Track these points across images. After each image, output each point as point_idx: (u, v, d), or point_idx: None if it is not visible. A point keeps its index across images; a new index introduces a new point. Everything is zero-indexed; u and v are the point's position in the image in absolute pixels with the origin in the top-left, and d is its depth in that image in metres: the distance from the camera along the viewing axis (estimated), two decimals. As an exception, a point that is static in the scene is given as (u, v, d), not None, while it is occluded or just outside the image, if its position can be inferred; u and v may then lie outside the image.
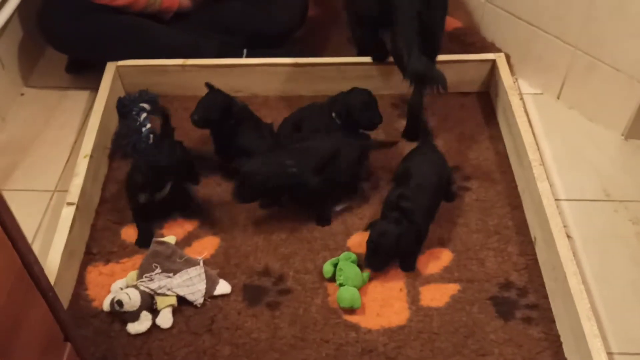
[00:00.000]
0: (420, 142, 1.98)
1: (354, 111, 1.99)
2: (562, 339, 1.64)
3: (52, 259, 1.69)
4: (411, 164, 1.87)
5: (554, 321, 1.68)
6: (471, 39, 2.47)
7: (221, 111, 1.95)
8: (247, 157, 1.86)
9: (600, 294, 1.75)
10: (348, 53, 2.39)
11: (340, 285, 1.72)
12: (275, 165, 1.79)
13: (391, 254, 1.74)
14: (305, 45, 2.49)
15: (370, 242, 1.73)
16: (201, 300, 1.72)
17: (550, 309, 1.70)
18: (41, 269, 0.98)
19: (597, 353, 1.48)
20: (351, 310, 1.71)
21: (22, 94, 2.38)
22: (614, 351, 1.64)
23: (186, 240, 1.88)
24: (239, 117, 1.99)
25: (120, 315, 1.68)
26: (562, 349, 1.62)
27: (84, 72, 2.41)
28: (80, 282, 1.78)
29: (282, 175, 1.78)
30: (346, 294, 1.70)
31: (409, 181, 1.81)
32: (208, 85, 1.99)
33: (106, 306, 1.71)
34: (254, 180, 1.78)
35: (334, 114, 2.03)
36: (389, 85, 2.24)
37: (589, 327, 1.52)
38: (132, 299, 1.66)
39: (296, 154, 1.84)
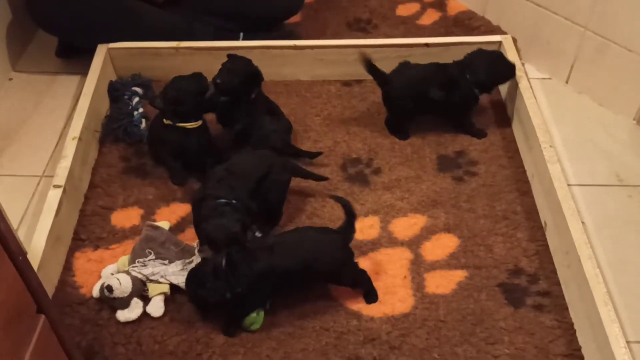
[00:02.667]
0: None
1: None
2: (576, 327, 1.56)
3: (36, 242, 1.61)
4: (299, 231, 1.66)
5: (566, 308, 1.60)
6: (476, 23, 2.40)
7: (247, 77, 1.88)
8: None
9: (614, 281, 1.67)
10: (347, 36, 2.33)
11: None
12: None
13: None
14: (304, 29, 2.41)
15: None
16: (196, 290, 1.63)
17: (562, 296, 1.62)
18: (9, 229, 0.88)
19: (615, 339, 1.40)
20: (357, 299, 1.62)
21: (10, 79, 2.30)
22: (631, 339, 1.55)
23: (179, 226, 1.80)
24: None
25: (109, 301, 1.59)
26: (576, 337, 1.54)
27: (74, 56, 2.33)
28: (68, 268, 1.70)
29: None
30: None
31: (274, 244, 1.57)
32: (230, 55, 1.92)
33: (96, 292, 1.63)
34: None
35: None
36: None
37: (606, 313, 1.44)
38: (122, 285, 1.58)
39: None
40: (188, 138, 1.85)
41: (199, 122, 1.87)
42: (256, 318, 1.57)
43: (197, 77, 1.87)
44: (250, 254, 1.52)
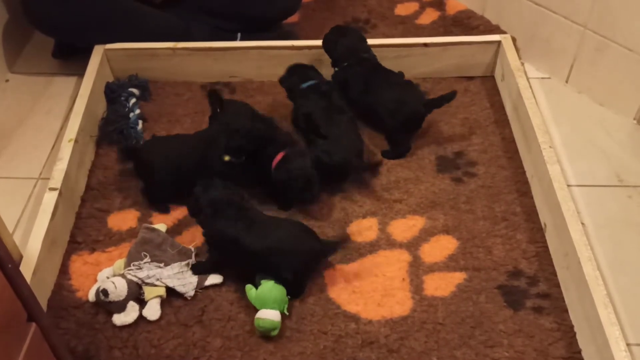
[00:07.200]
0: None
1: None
2: (575, 329, 1.54)
3: (31, 246, 1.59)
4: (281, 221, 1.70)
5: (566, 310, 1.58)
6: (475, 22, 2.39)
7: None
8: None
9: (614, 283, 1.66)
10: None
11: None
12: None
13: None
14: (302, 29, 2.40)
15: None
16: (192, 293, 1.62)
17: (562, 298, 1.61)
18: (-4, 236, 0.87)
19: (615, 342, 1.38)
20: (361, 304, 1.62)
21: (6, 80, 2.29)
22: (631, 342, 1.54)
23: (176, 229, 1.79)
24: None
25: (105, 305, 1.58)
26: (575, 340, 1.53)
27: (71, 57, 2.32)
28: (64, 271, 1.69)
29: None
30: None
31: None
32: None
33: (91, 296, 1.61)
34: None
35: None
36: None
37: (606, 315, 1.42)
38: (118, 288, 1.57)
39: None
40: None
41: None
42: (276, 324, 1.54)
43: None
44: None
